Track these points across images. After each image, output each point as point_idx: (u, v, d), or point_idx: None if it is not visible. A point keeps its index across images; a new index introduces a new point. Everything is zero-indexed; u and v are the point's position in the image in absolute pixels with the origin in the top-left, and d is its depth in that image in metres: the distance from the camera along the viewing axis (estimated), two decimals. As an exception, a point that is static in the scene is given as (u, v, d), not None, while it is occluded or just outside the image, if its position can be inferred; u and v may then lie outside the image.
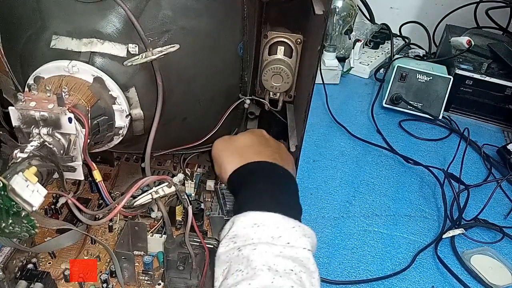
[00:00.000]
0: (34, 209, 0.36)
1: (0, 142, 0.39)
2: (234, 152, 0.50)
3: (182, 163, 0.64)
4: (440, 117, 0.97)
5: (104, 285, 0.48)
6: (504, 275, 0.62)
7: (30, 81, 0.46)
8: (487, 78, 0.97)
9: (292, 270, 0.38)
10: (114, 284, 0.49)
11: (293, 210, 0.45)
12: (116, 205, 0.42)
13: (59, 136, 0.40)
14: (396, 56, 1.16)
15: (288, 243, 0.40)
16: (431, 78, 0.96)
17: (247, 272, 0.38)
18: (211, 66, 0.52)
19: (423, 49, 1.26)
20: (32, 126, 0.40)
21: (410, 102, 0.96)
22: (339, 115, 0.96)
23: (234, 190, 0.49)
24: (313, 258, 0.41)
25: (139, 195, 0.47)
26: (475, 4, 1.24)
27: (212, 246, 0.47)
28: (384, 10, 1.33)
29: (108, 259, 0.52)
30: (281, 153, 0.53)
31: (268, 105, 0.63)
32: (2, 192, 0.35)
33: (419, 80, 0.96)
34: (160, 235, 0.53)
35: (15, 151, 0.38)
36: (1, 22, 0.48)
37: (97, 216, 0.50)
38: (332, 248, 0.65)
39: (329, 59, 1.09)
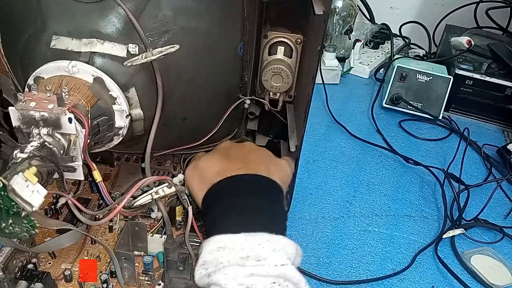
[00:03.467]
0: (34, 209, 0.36)
1: (0, 142, 0.39)
2: (199, 180, 0.49)
3: (182, 163, 0.64)
4: (440, 117, 0.97)
5: (104, 285, 0.48)
6: (504, 275, 0.62)
7: (30, 81, 0.46)
8: (487, 78, 0.97)
9: (274, 283, 0.37)
10: (114, 284, 0.49)
11: (262, 220, 0.43)
12: (116, 205, 0.42)
13: (59, 136, 0.40)
14: (396, 56, 1.16)
15: (258, 261, 0.39)
16: (431, 78, 0.96)
17: None
18: (211, 66, 0.52)
19: (423, 49, 1.26)
20: (32, 126, 0.40)
21: (410, 102, 0.96)
22: (339, 115, 0.96)
23: (206, 212, 0.48)
24: (292, 270, 0.39)
25: (139, 196, 0.47)
26: (475, 4, 1.24)
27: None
28: (384, 10, 1.33)
29: (108, 259, 0.52)
30: (247, 157, 0.50)
31: (268, 105, 0.63)
32: (2, 193, 0.35)
33: (419, 80, 0.96)
34: (160, 235, 0.53)
35: (15, 151, 0.38)
36: (1, 22, 0.48)
37: (97, 216, 0.50)
38: (332, 248, 0.65)
39: (329, 59, 1.09)
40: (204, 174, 0.48)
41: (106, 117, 0.46)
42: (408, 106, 0.97)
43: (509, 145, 0.86)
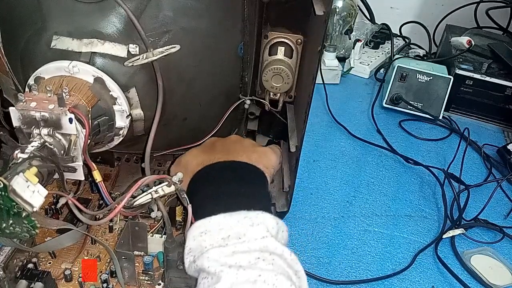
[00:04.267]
0: (34, 209, 0.37)
1: (0, 143, 0.39)
2: (183, 173, 0.49)
3: (182, 163, 0.64)
4: (440, 117, 0.97)
5: (104, 285, 0.48)
6: (504, 275, 0.63)
7: (31, 81, 0.46)
8: (487, 78, 0.97)
9: (258, 258, 0.37)
10: (114, 284, 0.49)
11: (240, 201, 0.43)
12: (116, 205, 0.42)
13: (59, 136, 0.40)
14: (396, 56, 1.16)
15: (238, 238, 0.39)
16: (431, 78, 0.96)
17: (211, 278, 0.37)
18: (212, 67, 0.52)
19: (423, 49, 1.26)
20: (33, 127, 0.40)
21: (410, 102, 0.96)
22: (339, 115, 0.96)
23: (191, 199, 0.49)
24: (273, 242, 0.39)
25: (138, 195, 0.47)
26: (475, 4, 1.24)
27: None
28: (384, 10, 1.33)
29: (108, 259, 0.52)
30: (228, 147, 0.51)
31: (269, 105, 0.63)
32: (3, 193, 0.35)
33: (419, 80, 0.96)
34: (160, 235, 0.53)
35: (16, 152, 0.38)
36: (1, 22, 0.48)
37: (97, 216, 0.50)
38: (332, 248, 0.65)
39: (329, 59, 1.09)
40: (187, 167, 0.50)
41: (107, 117, 0.46)
42: (408, 106, 0.97)
43: (509, 145, 0.86)
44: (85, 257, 0.52)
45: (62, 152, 0.40)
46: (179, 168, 0.51)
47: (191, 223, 0.45)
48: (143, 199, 0.47)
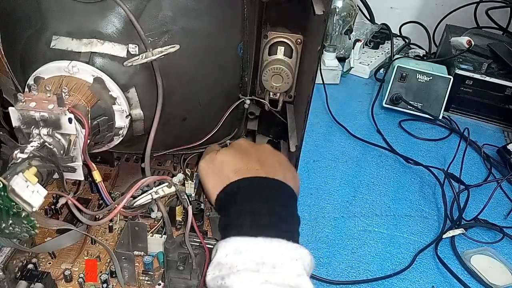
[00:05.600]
0: (34, 209, 0.36)
1: (0, 143, 0.39)
2: (214, 175, 0.48)
3: (182, 163, 0.64)
4: (440, 117, 0.97)
5: (104, 285, 0.48)
6: (504, 275, 0.62)
7: (30, 81, 0.46)
8: (487, 78, 0.97)
9: None
10: (114, 284, 0.49)
11: (280, 227, 0.42)
12: (116, 205, 0.42)
13: (59, 136, 0.40)
14: (396, 56, 1.16)
15: (273, 268, 0.38)
16: (431, 78, 0.96)
17: None
18: (211, 66, 0.52)
19: (423, 49, 1.26)
20: (32, 127, 0.40)
21: (410, 102, 0.96)
22: (339, 115, 0.96)
23: (220, 215, 0.47)
24: (307, 282, 0.38)
25: (139, 196, 0.47)
26: (475, 4, 1.24)
27: (212, 246, 0.46)
28: (384, 10, 1.33)
29: (108, 260, 0.52)
30: (265, 160, 0.49)
31: (268, 105, 0.63)
32: (2, 193, 0.35)
33: (419, 80, 0.96)
34: (160, 235, 0.53)
35: (15, 152, 0.38)
36: (1, 22, 0.48)
37: (97, 217, 0.50)
38: (332, 248, 0.65)
39: (329, 59, 1.09)
40: (222, 169, 0.48)
41: (106, 117, 0.45)
42: (408, 106, 0.97)
43: (509, 145, 0.86)
44: (85, 257, 0.52)
45: (61, 152, 0.40)
46: (212, 166, 0.49)
47: (191, 224, 0.45)
48: (143, 199, 0.47)
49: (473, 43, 1.03)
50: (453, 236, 0.68)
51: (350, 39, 1.15)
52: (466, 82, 0.98)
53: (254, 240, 0.40)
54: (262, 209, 0.43)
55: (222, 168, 0.48)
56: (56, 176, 0.41)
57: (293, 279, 0.37)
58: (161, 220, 0.55)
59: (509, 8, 1.23)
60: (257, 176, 0.46)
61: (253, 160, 0.48)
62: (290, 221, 0.44)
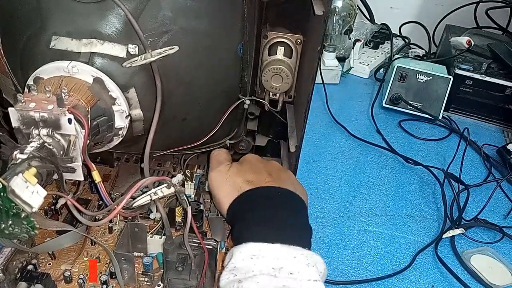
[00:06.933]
0: (33, 210, 0.36)
1: (0, 143, 0.39)
2: (226, 185, 0.50)
3: (182, 164, 0.64)
4: (440, 117, 0.97)
5: (104, 286, 0.48)
6: (504, 275, 0.62)
7: (30, 81, 0.46)
8: (487, 78, 0.97)
9: None
10: (114, 285, 0.49)
11: (295, 234, 0.43)
12: (115, 206, 0.42)
13: (58, 137, 0.40)
14: (396, 56, 1.16)
15: (291, 273, 0.38)
16: (431, 78, 0.96)
17: None
18: (211, 67, 0.52)
19: (423, 49, 1.26)
20: (32, 127, 0.40)
21: (410, 102, 0.96)
22: (339, 115, 0.96)
23: (232, 223, 0.48)
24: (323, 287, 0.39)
25: (138, 196, 0.47)
26: (475, 4, 1.24)
27: (211, 247, 0.46)
28: (384, 10, 1.33)
29: (108, 260, 0.52)
30: (275, 173, 0.51)
31: (268, 105, 0.63)
32: (2, 194, 0.35)
33: (419, 80, 0.96)
34: (160, 236, 0.53)
35: (15, 152, 0.38)
36: (1, 22, 0.48)
37: (96, 217, 0.50)
38: (332, 248, 0.64)
39: (329, 59, 1.09)
40: (235, 180, 0.50)
41: (106, 118, 0.45)
42: (408, 106, 0.97)
43: (509, 145, 0.86)
44: (85, 258, 0.52)
45: (61, 152, 0.40)
46: (223, 176, 0.51)
47: (190, 225, 0.45)
48: (142, 200, 0.47)
49: (473, 43, 1.03)
50: (453, 236, 0.67)
51: (350, 39, 1.15)
52: (466, 82, 0.98)
53: (272, 246, 0.40)
54: (278, 216, 0.44)
55: (234, 179, 0.50)
56: (55, 176, 0.41)
57: (310, 284, 0.38)
58: (161, 221, 0.55)
59: (509, 8, 1.23)
60: (270, 186, 0.47)
61: (264, 173, 0.51)
62: (304, 230, 0.45)
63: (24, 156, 0.37)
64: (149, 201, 0.46)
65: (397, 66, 0.97)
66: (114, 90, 0.45)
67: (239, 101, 0.58)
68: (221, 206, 0.50)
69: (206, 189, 0.60)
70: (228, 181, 0.50)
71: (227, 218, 0.49)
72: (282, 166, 0.55)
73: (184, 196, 0.46)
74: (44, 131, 0.39)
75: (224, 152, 0.57)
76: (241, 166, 0.53)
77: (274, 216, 0.44)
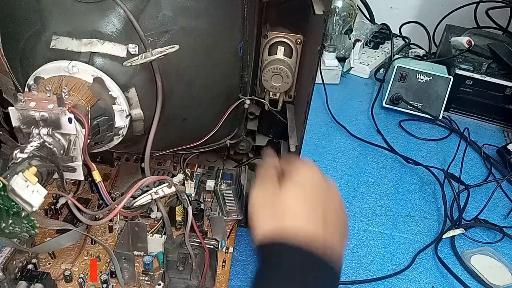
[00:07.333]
0: (34, 209, 0.36)
1: (0, 142, 0.39)
2: (270, 211, 0.42)
3: (182, 163, 0.64)
4: (440, 117, 0.97)
5: (104, 285, 0.48)
6: (504, 275, 0.62)
7: (30, 81, 0.46)
8: (487, 78, 0.97)
9: None
10: (114, 284, 0.49)
11: None
12: (116, 205, 0.42)
13: (59, 136, 0.40)
14: (396, 56, 1.16)
15: None
16: (431, 78, 0.96)
17: None
18: (211, 66, 0.52)
19: (423, 49, 1.26)
20: (32, 127, 0.39)
21: (410, 102, 0.96)
22: (339, 115, 0.96)
23: (258, 257, 0.41)
24: None
25: (138, 196, 0.47)
26: (475, 4, 1.24)
27: (212, 247, 0.47)
28: (384, 10, 1.33)
29: (108, 260, 0.52)
30: (328, 218, 0.44)
31: (268, 105, 0.63)
32: (2, 193, 0.35)
33: (419, 80, 0.96)
34: (160, 235, 0.53)
35: (15, 152, 0.38)
36: (1, 22, 0.48)
37: (97, 217, 0.50)
38: (332, 248, 0.64)
39: (329, 59, 1.09)
40: (283, 210, 0.42)
41: (106, 117, 0.45)
42: (408, 106, 0.97)
43: (509, 145, 0.86)
44: (85, 257, 0.52)
45: (61, 152, 0.40)
46: (271, 200, 0.42)
47: (191, 224, 0.45)
48: (143, 199, 0.47)
49: (473, 43, 1.03)
50: (453, 236, 0.67)
51: (350, 39, 1.15)
52: (466, 82, 0.98)
53: None
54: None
55: (283, 208, 0.42)
56: (56, 176, 0.41)
57: None
58: (161, 220, 0.55)
59: (509, 8, 1.23)
60: (312, 251, 0.40)
61: (319, 214, 0.43)
62: None
63: (24, 155, 0.37)
64: (150, 200, 0.46)
65: (397, 66, 0.97)
66: (114, 89, 0.45)
67: (239, 101, 0.58)
68: (254, 232, 0.42)
69: (207, 189, 0.60)
70: (273, 207, 0.42)
71: (256, 242, 0.42)
72: (340, 199, 0.48)
73: (185, 195, 0.46)
74: (44, 131, 0.39)
75: (273, 166, 0.46)
76: (296, 191, 0.43)
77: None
